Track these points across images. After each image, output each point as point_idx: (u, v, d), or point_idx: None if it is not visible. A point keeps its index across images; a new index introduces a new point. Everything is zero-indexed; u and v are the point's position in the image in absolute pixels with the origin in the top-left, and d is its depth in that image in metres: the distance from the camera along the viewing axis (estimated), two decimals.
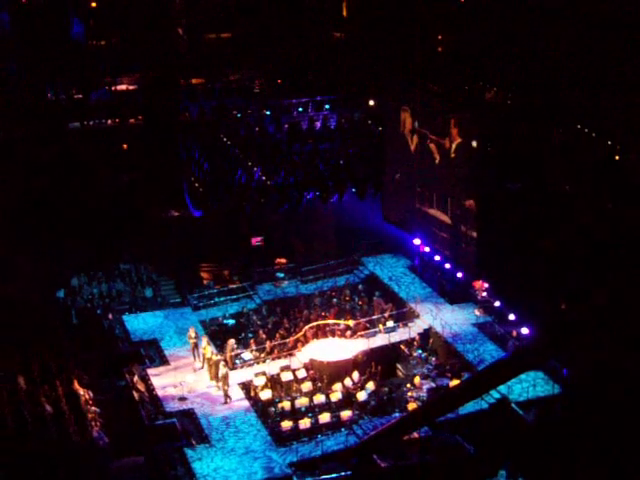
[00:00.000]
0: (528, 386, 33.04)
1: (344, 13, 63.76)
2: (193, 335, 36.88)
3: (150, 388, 34.54)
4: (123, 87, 58.16)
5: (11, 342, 35.69)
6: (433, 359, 36.83)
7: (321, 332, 38.18)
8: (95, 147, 51.64)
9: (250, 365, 36.06)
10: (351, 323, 38.42)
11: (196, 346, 36.67)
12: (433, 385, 34.70)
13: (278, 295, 42.28)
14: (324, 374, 35.43)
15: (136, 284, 43.78)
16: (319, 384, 35.01)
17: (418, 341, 37.66)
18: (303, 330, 37.78)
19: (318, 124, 57.53)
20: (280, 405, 33.34)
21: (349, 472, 29.73)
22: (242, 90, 59.74)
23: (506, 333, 36.87)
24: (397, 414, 32.88)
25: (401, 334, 38.19)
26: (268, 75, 60.75)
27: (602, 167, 42.00)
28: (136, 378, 34.49)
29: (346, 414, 32.66)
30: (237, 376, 35.26)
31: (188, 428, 32.18)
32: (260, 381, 34.54)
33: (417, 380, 34.87)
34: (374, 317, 38.97)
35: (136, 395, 33.51)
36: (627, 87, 42.35)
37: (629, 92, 42.11)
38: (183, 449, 30.78)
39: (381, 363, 36.03)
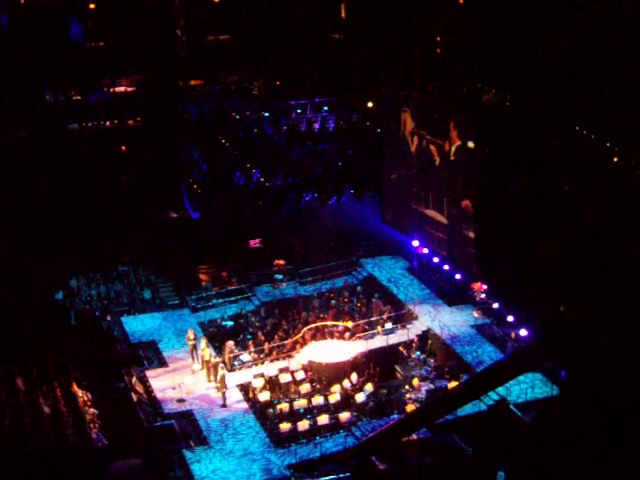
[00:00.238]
0: (526, 388, 33.04)
1: (343, 15, 63.83)
2: (192, 337, 36.87)
3: (149, 390, 34.52)
4: (122, 89, 58.26)
5: (10, 343, 35.70)
6: (432, 361, 36.79)
7: (320, 334, 38.16)
8: (94, 149, 51.69)
9: (249, 367, 36.05)
10: (350, 325, 38.40)
11: (195, 348, 36.66)
12: (432, 387, 34.66)
13: (277, 297, 42.24)
14: (323, 376, 35.42)
15: (135, 286, 43.75)
16: (318, 386, 35.00)
17: (417, 343, 37.61)
18: (302, 332, 37.76)
19: (316, 126, 57.64)
20: (279, 407, 33.31)
21: (348, 474, 29.72)
22: (241, 92, 59.89)
23: (505, 335, 36.87)
24: (396, 416, 32.86)
25: (400, 336, 38.17)
26: (267, 77, 60.84)
27: (601, 168, 42.07)
28: (134, 380, 34.46)
29: (345, 416, 32.65)
30: (235, 378, 35.26)
31: (187, 430, 32.17)
32: (259, 383, 34.53)
33: (416, 382, 34.84)
34: (373, 319, 38.95)
35: (134, 397, 33.48)
36: (627, 88, 42.42)
37: (629, 93, 42.18)
38: (182, 451, 30.76)
39: (380, 365, 36.00)
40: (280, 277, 43.78)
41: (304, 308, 40.61)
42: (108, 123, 54.42)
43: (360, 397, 33.81)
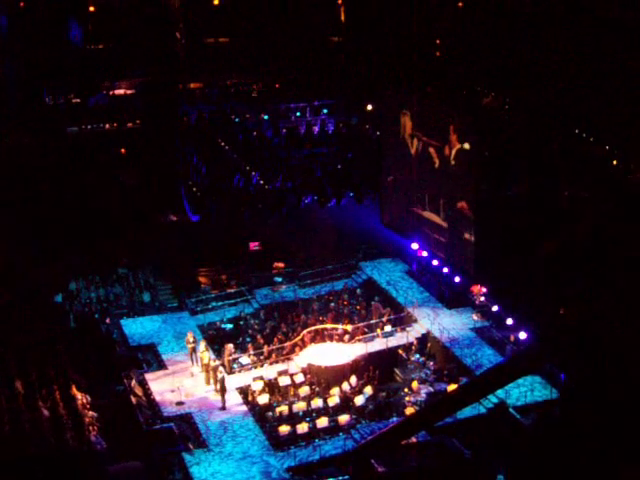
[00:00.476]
0: (526, 390, 33.06)
1: (342, 18, 63.86)
2: (191, 340, 36.87)
3: (148, 392, 34.53)
4: (121, 91, 58.27)
5: (9, 346, 35.67)
6: (431, 363, 36.80)
7: (319, 336, 38.16)
8: (93, 151, 51.67)
9: (248, 369, 36.05)
10: (349, 328, 38.40)
11: (194, 351, 36.66)
12: (431, 389, 34.68)
13: (276, 299, 42.24)
14: (322, 379, 35.43)
15: (134, 288, 43.75)
16: (317, 389, 34.99)
17: (416, 345, 37.63)
18: (301, 334, 37.76)
19: (316, 129, 57.65)
20: (278, 410, 33.30)
21: (347, 477, 29.72)
22: (240, 95, 59.89)
23: (504, 338, 36.85)
24: (395, 419, 32.89)
25: (399, 339, 38.18)
26: (266, 80, 60.85)
27: (601, 171, 42.09)
28: (134, 382, 34.46)
29: (344, 419, 32.64)
30: (235, 380, 35.25)
31: (186, 433, 32.16)
32: (258, 386, 34.53)
33: (415, 384, 34.85)
34: (372, 322, 38.95)
35: (134, 399, 33.48)
36: (626, 90, 42.43)
37: (628, 95, 42.18)
38: (181, 454, 30.77)
39: (379, 367, 36.02)
40: (279, 280, 43.81)
41: (303, 311, 40.60)
42: (108, 126, 54.41)
43: (359, 400, 33.80)
